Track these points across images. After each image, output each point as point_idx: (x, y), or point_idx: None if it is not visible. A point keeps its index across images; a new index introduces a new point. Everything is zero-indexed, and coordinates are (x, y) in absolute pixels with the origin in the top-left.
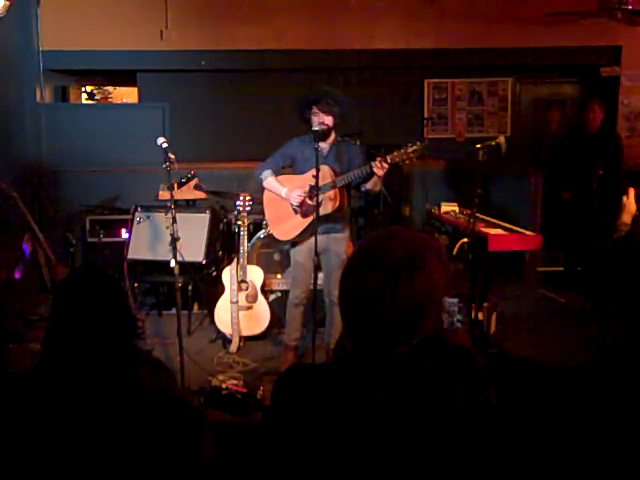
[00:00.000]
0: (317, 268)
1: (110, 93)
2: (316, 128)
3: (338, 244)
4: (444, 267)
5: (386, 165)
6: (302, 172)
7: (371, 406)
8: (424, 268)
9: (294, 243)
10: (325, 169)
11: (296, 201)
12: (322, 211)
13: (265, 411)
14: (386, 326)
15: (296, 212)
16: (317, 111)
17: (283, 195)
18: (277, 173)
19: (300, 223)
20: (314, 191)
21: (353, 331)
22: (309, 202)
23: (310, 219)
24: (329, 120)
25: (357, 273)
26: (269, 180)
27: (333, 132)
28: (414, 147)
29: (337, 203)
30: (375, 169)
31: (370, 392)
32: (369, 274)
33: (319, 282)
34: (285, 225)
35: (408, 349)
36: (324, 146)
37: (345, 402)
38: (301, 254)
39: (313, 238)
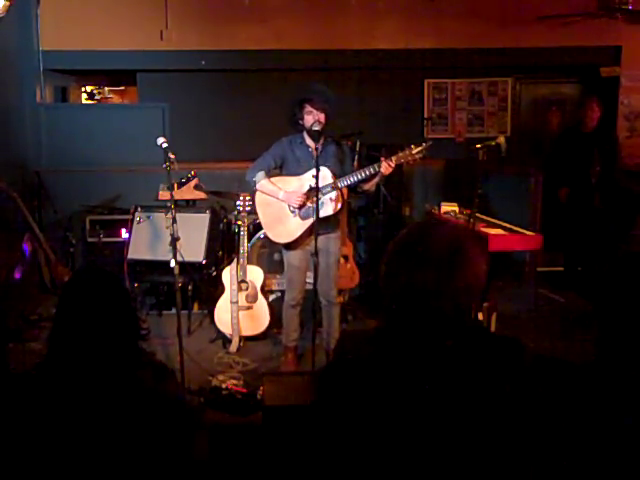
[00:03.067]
0: (316, 269)
1: (110, 92)
2: (316, 128)
3: (334, 244)
4: (485, 254)
5: (393, 165)
6: (294, 173)
7: (421, 395)
8: (469, 260)
9: (288, 245)
10: (325, 170)
11: (296, 204)
12: (324, 213)
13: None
14: (436, 320)
15: (294, 214)
16: (311, 109)
17: (280, 197)
18: (268, 174)
19: (300, 225)
20: (314, 192)
21: (403, 327)
22: (309, 204)
23: (310, 221)
24: (322, 118)
25: (405, 273)
26: (263, 183)
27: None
28: (419, 149)
29: (339, 204)
30: (382, 169)
31: (419, 382)
32: (417, 273)
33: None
34: (283, 227)
35: (456, 339)
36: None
37: (397, 385)
38: (295, 256)
39: (307, 240)
